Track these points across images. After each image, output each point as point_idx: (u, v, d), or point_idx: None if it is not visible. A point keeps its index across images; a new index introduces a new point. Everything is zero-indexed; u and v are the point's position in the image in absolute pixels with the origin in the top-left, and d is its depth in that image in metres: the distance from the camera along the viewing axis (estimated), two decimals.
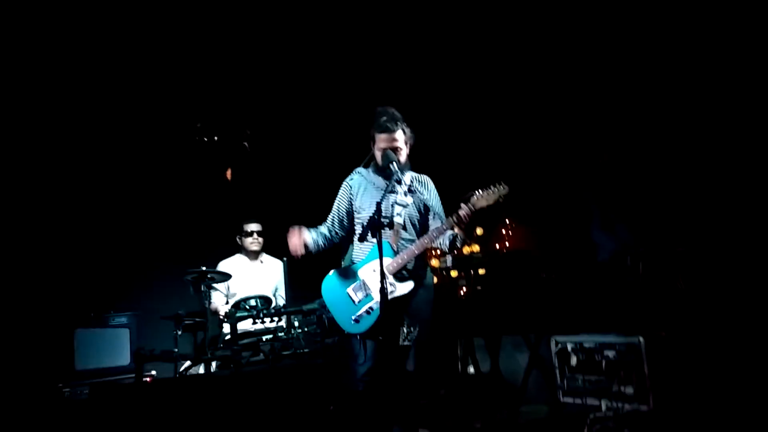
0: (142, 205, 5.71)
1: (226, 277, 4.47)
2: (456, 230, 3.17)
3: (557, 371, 3.98)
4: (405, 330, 3.20)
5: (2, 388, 4.40)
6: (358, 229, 3.41)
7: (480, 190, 3.09)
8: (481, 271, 5.03)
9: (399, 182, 3.31)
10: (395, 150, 3.32)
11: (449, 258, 4.65)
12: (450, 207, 3.23)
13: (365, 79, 5.79)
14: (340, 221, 3.49)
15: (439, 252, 5.20)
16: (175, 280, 4.50)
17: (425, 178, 3.49)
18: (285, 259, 4.57)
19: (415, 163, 3.52)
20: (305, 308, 4.17)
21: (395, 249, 3.25)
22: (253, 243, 4.98)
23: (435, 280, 5.48)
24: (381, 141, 3.35)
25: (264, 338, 4.22)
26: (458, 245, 3.27)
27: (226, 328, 4.25)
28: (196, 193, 5.79)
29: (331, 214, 3.53)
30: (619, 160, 4.46)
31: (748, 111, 4.57)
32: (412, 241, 3.30)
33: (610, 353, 3.72)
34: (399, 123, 3.35)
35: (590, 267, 4.41)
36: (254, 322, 4.23)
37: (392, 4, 5.47)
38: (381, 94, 5.52)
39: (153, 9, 5.13)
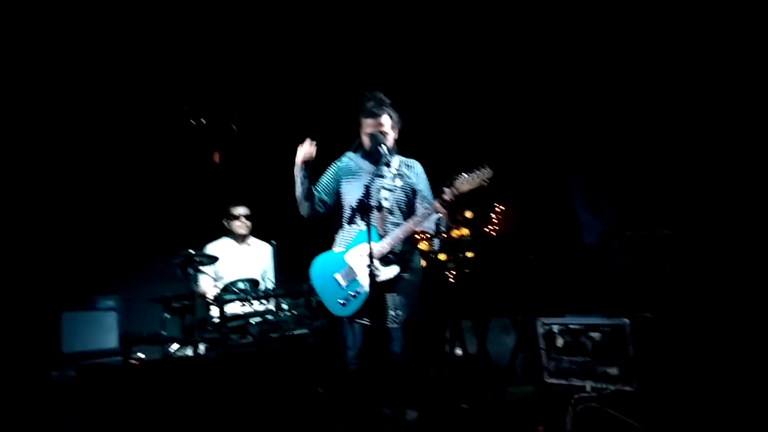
0: (129, 188, 5.66)
1: (213, 260, 4.46)
2: (440, 214, 3.19)
3: (543, 353, 4.01)
4: (392, 313, 3.24)
5: None
6: (347, 212, 3.42)
7: (464, 174, 3.11)
8: (470, 254, 5.07)
9: (388, 165, 3.31)
10: (382, 135, 3.33)
11: (436, 241, 4.69)
12: (435, 191, 3.25)
13: (354, 61, 5.76)
14: (326, 193, 3.48)
15: (427, 235, 5.22)
16: (162, 264, 4.48)
17: (413, 162, 3.49)
18: (273, 242, 4.57)
19: (403, 147, 3.52)
20: (294, 291, 4.18)
21: (381, 233, 3.27)
22: (240, 226, 4.96)
23: (424, 263, 5.52)
24: (367, 126, 3.37)
25: (252, 321, 4.23)
26: (443, 229, 3.31)
27: (215, 311, 4.25)
28: (183, 176, 5.75)
29: (316, 185, 3.51)
30: (608, 138, 4.48)
31: (737, 93, 4.59)
32: (399, 225, 3.31)
33: (596, 335, 3.76)
34: (385, 108, 3.37)
35: (577, 250, 4.44)
36: (242, 305, 4.24)
37: None
38: (370, 76, 5.55)
39: None
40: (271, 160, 5.70)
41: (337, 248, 3.47)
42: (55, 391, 4.07)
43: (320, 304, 3.63)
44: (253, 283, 4.37)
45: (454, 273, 5.15)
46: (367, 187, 3.18)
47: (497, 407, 4.09)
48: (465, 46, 5.80)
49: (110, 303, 5.07)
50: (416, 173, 3.45)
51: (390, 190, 3.34)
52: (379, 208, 3.30)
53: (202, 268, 4.39)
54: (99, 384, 3.27)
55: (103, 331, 4.86)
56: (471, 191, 3.11)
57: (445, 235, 3.45)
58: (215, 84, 5.73)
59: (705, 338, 3.67)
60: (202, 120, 5.56)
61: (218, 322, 4.17)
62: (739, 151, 4.56)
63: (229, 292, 4.24)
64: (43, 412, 3.70)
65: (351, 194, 3.40)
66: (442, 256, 5.22)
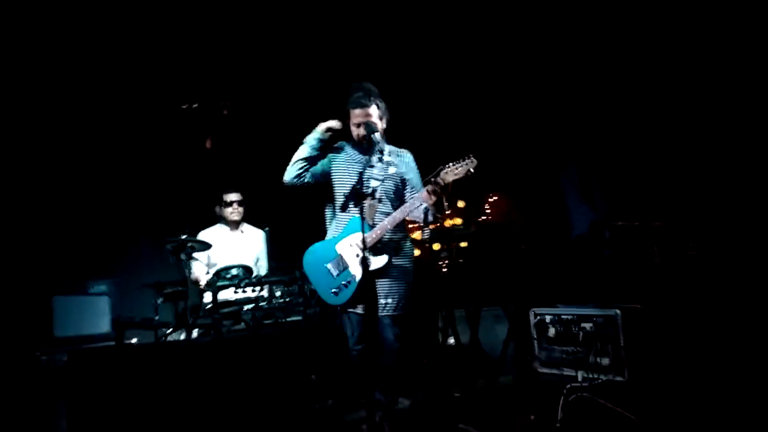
0: (122, 173, 5.62)
1: (206, 246, 4.44)
2: (427, 204, 3.21)
3: (535, 342, 4.04)
4: (382, 301, 3.28)
5: None
6: (340, 200, 3.44)
7: (450, 164, 3.13)
8: (463, 244, 5.08)
9: (382, 152, 3.32)
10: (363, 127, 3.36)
11: (427, 230, 4.77)
12: (424, 181, 3.26)
13: (347, 47, 5.74)
14: (319, 171, 3.49)
15: (419, 225, 5.23)
16: (154, 250, 4.47)
17: (403, 151, 3.51)
18: (267, 228, 4.56)
19: (396, 137, 3.52)
20: (286, 278, 4.17)
21: (371, 223, 3.29)
22: (233, 213, 4.94)
23: (417, 252, 5.53)
24: (355, 116, 3.39)
25: (245, 307, 4.23)
26: (430, 219, 3.34)
27: (207, 297, 4.24)
28: (176, 162, 5.72)
29: None
30: (601, 131, 4.49)
31: (730, 86, 4.61)
32: (389, 214, 3.33)
33: (588, 325, 3.79)
34: (373, 98, 3.39)
35: (569, 240, 4.46)
36: (235, 292, 4.23)
37: None
38: (362, 62, 5.53)
39: None
40: (264, 146, 5.70)
41: (329, 236, 3.50)
42: (46, 375, 4.06)
43: (313, 291, 3.71)
44: (246, 269, 4.36)
45: (447, 263, 5.16)
46: (359, 176, 3.21)
47: (488, 396, 4.12)
48: (458, 37, 5.79)
49: (103, 288, 5.05)
50: (405, 162, 3.46)
51: (379, 180, 3.35)
52: (369, 197, 3.31)
53: (194, 254, 4.37)
54: (89, 368, 3.27)
55: (95, 315, 4.85)
56: (457, 181, 3.14)
57: (434, 225, 3.47)
58: (208, 69, 5.69)
59: (695, 329, 3.70)
60: (194, 105, 5.52)
61: (211, 308, 4.16)
62: (729, 144, 4.58)
63: (222, 278, 4.23)
64: (34, 396, 3.69)
65: (342, 183, 3.44)
66: (435, 246, 5.23)
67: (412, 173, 3.46)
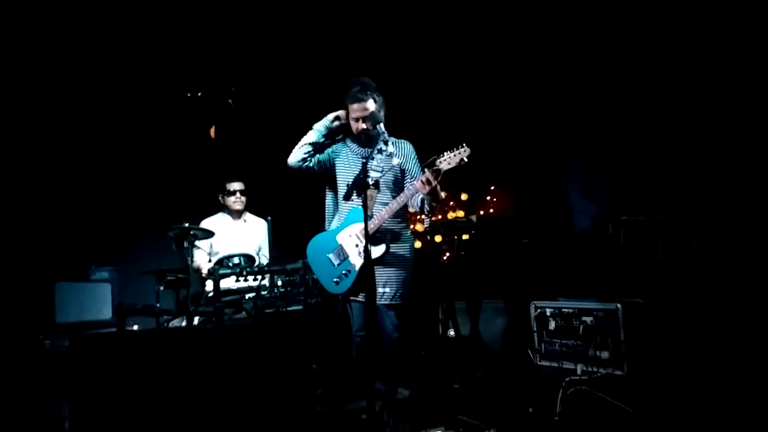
0: (125, 161, 5.63)
1: (208, 234, 4.44)
2: (422, 193, 3.22)
3: (535, 335, 4.05)
4: (380, 290, 3.33)
5: None
6: (342, 190, 3.46)
7: (444, 153, 3.14)
8: (465, 237, 5.08)
9: (386, 143, 3.33)
10: (366, 119, 3.38)
11: (426, 220, 4.82)
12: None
13: (350, 36, 5.72)
14: (324, 160, 3.53)
15: (419, 215, 5.24)
16: (157, 238, 4.47)
17: (403, 142, 3.52)
18: (269, 218, 4.56)
19: (398, 129, 3.53)
20: (288, 267, 4.18)
21: (370, 213, 3.30)
22: (236, 202, 4.94)
23: (419, 244, 5.54)
24: (353, 111, 3.43)
25: (247, 296, 4.24)
26: (427, 208, 3.36)
27: (209, 285, 4.25)
28: (179, 150, 5.72)
29: None
30: (607, 128, 4.48)
31: (734, 82, 4.59)
32: (387, 204, 3.34)
33: (588, 319, 3.80)
34: (370, 92, 3.41)
35: (571, 234, 4.46)
36: (237, 280, 4.23)
37: None
38: (363, 53, 5.51)
39: None
40: (267, 136, 5.70)
41: (331, 227, 3.54)
42: (48, 361, 4.08)
43: (315, 281, 3.79)
44: (249, 258, 4.37)
45: (449, 255, 5.17)
46: (359, 168, 3.20)
47: (488, 388, 4.14)
48: (465, 31, 5.76)
49: (104, 274, 5.07)
50: (405, 153, 3.48)
51: (379, 172, 3.37)
52: (368, 187, 3.32)
53: (197, 242, 4.38)
54: (91, 353, 3.28)
55: (97, 302, 4.86)
56: (451, 169, 3.15)
57: (431, 214, 3.50)
58: (212, 57, 5.68)
59: (696, 324, 3.70)
60: (198, 93, 5.51)
61: (212, 296, 4.18)
62: (734, 140, 4.57)
63: (224, 266, 4.24)
64: (36, 381, 3.71)
65: (342, 174, 3.49)
66: (437, 238, 5.24)
67: (410, 163, 3.49)
